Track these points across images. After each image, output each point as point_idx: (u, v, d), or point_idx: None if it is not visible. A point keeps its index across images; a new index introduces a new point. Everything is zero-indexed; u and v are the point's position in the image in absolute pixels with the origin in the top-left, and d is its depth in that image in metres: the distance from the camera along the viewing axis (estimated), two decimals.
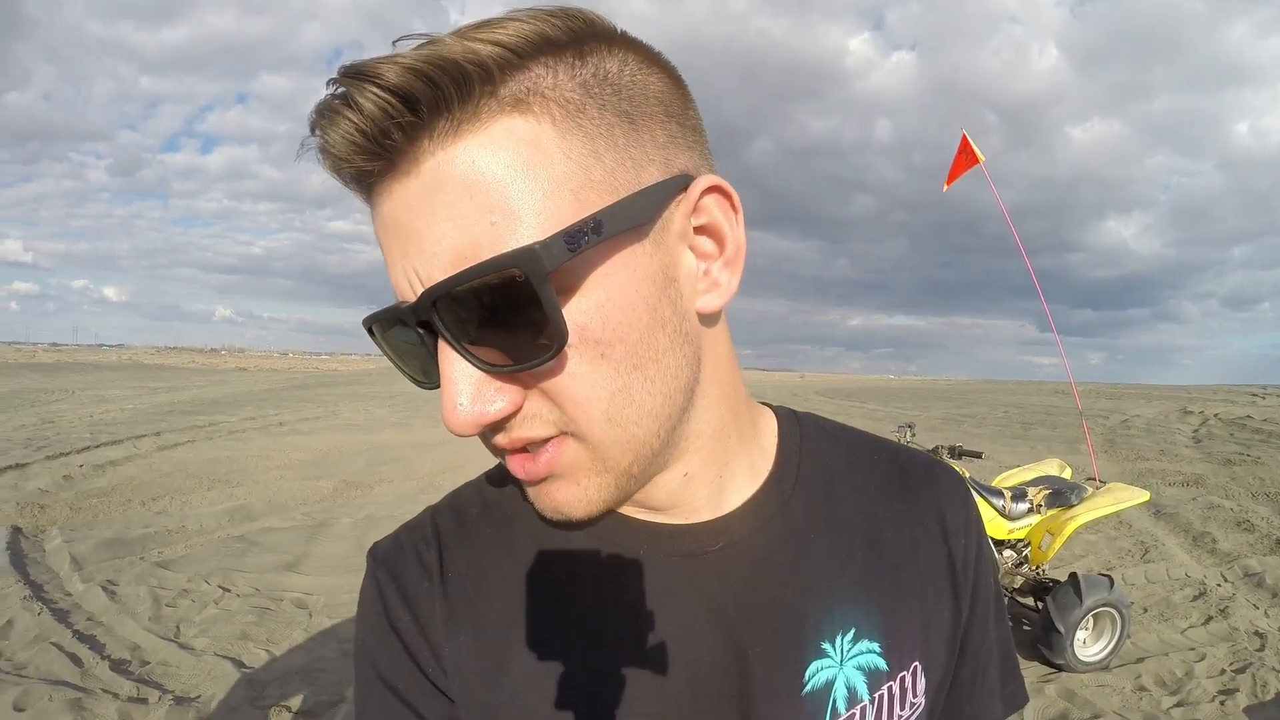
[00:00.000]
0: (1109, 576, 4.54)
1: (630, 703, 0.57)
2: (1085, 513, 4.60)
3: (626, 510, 0.63)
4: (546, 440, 0.53)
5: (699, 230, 0.55)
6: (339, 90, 0.46)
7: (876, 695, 0.62)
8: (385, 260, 0.51)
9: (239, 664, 4.32)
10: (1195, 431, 16.73)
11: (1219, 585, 6.21)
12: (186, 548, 6.53)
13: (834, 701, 0.60)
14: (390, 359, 0.55)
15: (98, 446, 11.54)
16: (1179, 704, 4.17)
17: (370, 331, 0.54)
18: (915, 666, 0.64)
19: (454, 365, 0.49)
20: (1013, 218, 6.70)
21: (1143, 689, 4.34)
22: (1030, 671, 4.37)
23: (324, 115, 0.47)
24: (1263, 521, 8.28)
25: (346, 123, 0.46)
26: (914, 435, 5.19)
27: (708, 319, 0.57)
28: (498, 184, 0.46)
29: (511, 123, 0.47)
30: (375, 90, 0.45)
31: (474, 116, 0.46)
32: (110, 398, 20.61)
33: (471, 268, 0.46)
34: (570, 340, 0.48)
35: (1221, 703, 4.19)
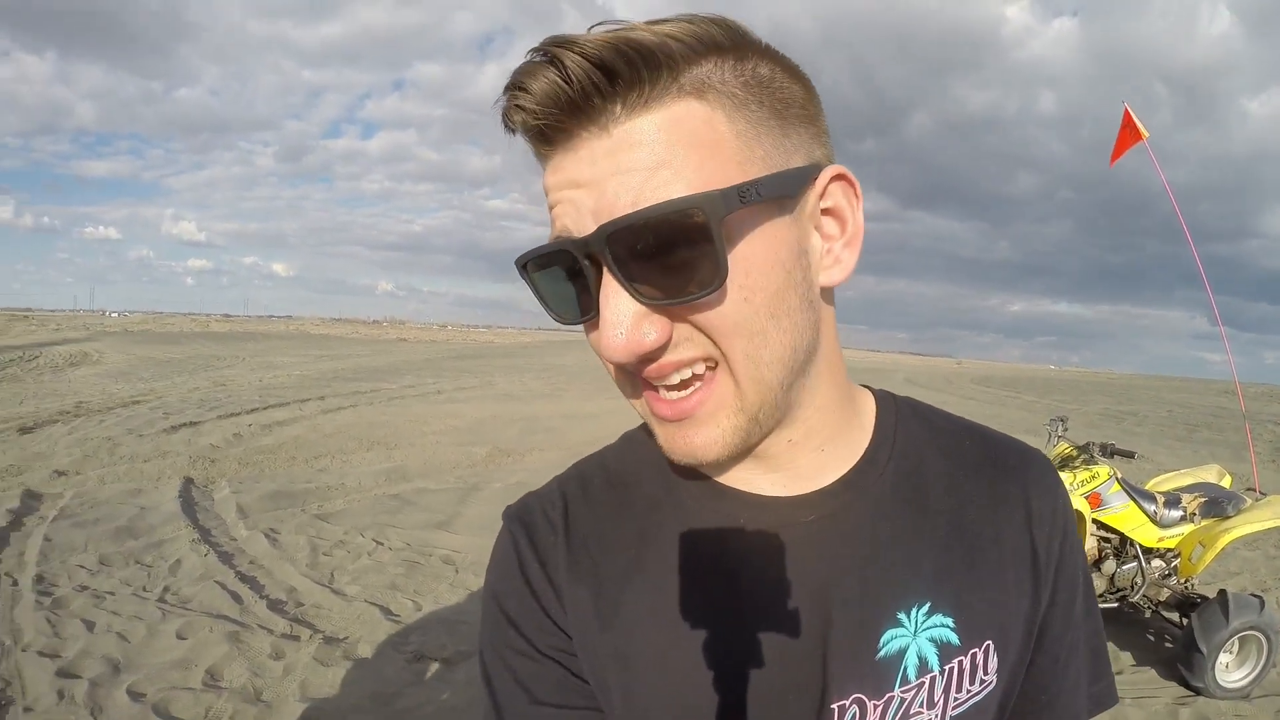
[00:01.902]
0: (1260, 598, 4.25)
1: (723, 654, 0.65)
2: (1242, 526, 4.30)
3: (730, 481, 0.70)
4: (693, 364, 0.59)
5: (825, 212, 0.62)
6: (545, 54, 0.54)
7: (947, 668, 0.65)
8: (553, 207, 0.58)
9: (387, 611, 4.63)
10: None
11: None
12: (345, 503, 6.99)
13: (905, 669, 0.65)
14: (538, 295, 0.63)
15: (265, 408, 12.44)
16: None
17: (523, 270, 0.62)
18: (988, 645, 0.67)
19: (616, 297, 0.56)
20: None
21: None
22: (1166, 693, 4.17)
23: (528, 73, 0.54)
24: None
25: (551, 80, 0.53)
26: (1066, 430, 4.97)
27: (826, 294, 0.64)
28: (678, 150, 0.54)
29: (690, 104, 0.55)
30: (580, 58, 0.52)
31: (661, 94, 0.54)
32: (278, 364, 22.09)
33: (657, 205, 0.53)
34: (724, 280, 0.55)
35: None
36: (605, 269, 0.56)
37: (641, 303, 0.56)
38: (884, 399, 0.78)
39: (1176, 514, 4.43)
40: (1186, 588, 4.52)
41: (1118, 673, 4.28)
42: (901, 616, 0.65)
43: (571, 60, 0.52)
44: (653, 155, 0.54)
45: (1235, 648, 4.15)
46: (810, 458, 0.69)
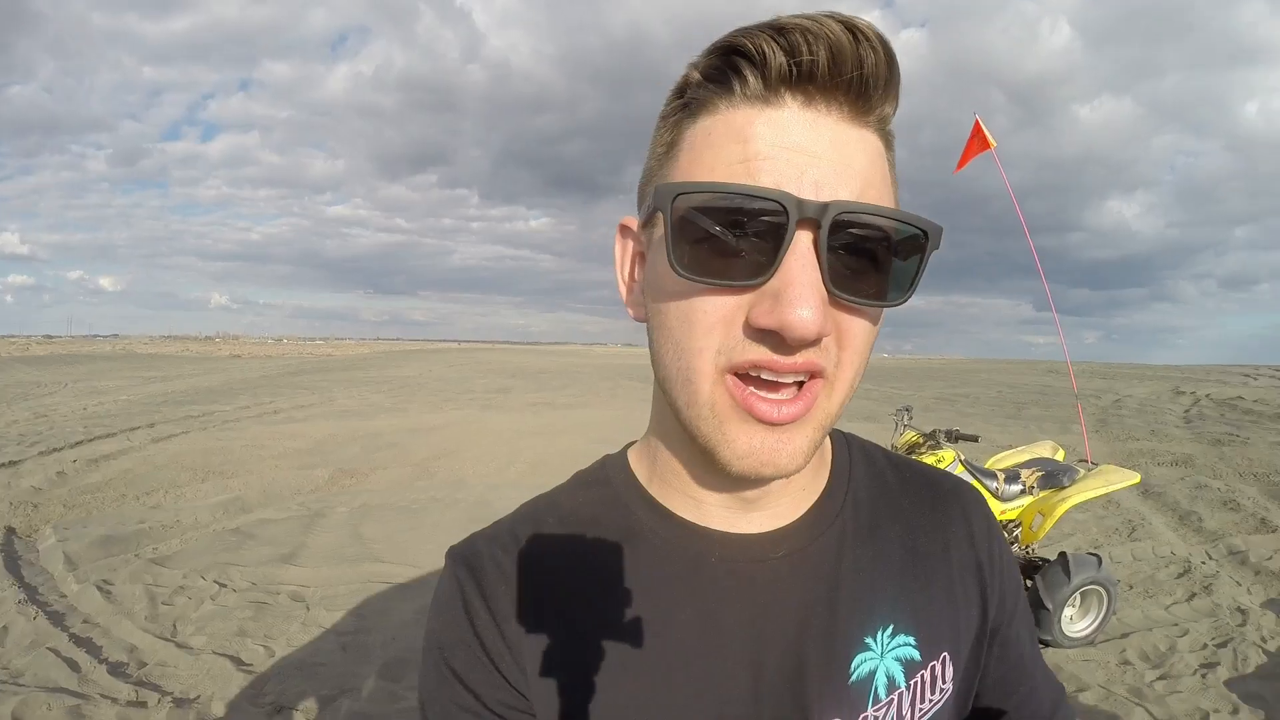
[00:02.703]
0: (1097, 555, 4.65)
1: (704, 698, 0.64)
2: (1076, 494, 4.68)
3: (698, 519, 0.69)
4: (817, 369, 0.58)
5: None
6: (845, 25, 0.54)
7: (912, 682, 0.69)
8: (763, 159, 0.55)
9: (238, 661, 4.33)
10: (1186, 412, 16.84)
11: (1203, 563, 6.31)
12: (181, 543, 6.50)
13: (875, 689, 0.67)
14: (682, 237, 0.56)
15: (91, 440, 11.48)
16: (1161, 677, 4.28)
17: (681, 204, 0.55)
18: (944, 656, 0.71)
19: (814, 274, 0.54)
20: (1017, 198, 6.76)
21: (1127, 663, 4.45)
22: None
23: (827, 25, 0.54)
24: (1249, 501, 8.39)
25: (854, 47, 0.54)
26: (911, 418, 5.25)
27: None
28: (877, 174, 0.58)
29: (876, 135, 0.59)
30: (883, 49, 0.55)
31: (883, 112, 0.59)
32: (104, 389, 20.46)
33: (897, 210, 0.56)
34: (906, 301, 0.59)
35: (1203, 676, 4.30)
36: (814, 243, 0.54)
37: (828, 289, 0.55)
38: (837, 435, 0.81)
39: (1016, 488, 4.76)
40: (1029, 553, 4.86)
41: None
42: (869, 640, 0.68)
43: (878, 44, 0.55)
44: (868, 167, 0.57)
45: (1078, 601, 4.54)
46: (792, 495, 0.72)
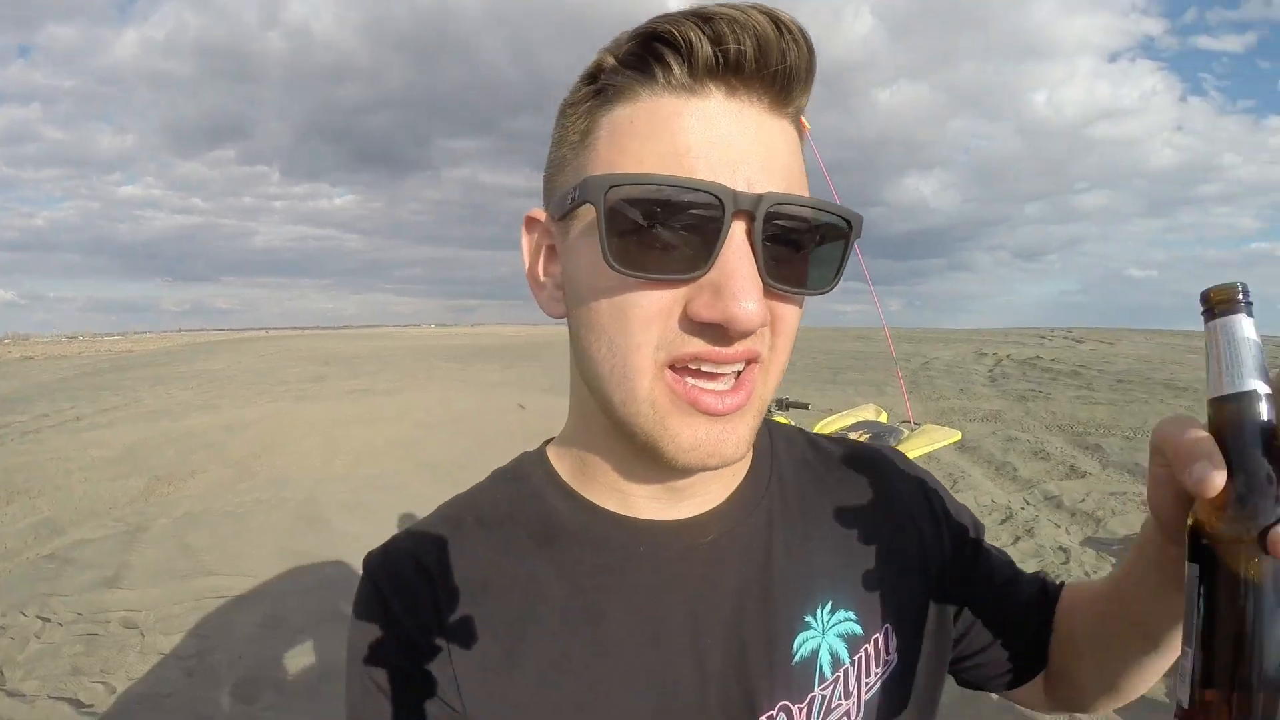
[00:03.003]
0: None
1: (643, 692, 0.63)
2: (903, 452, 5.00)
3: (624, 510, 0.68)
4: (754, 357, 0.59)
5: None
6: (770, 17, 0.55)
7: (856, 657, 0.69)
8: (691, 152, 0.54)
9: (77, 704, 4.00)
10: (990, 371, 17.99)
11: (1023, 509, 6.89)
12: None
13: (820, 667, 0.67)
14: (616, 230, 0.54)
15: None
16: None
17: (613, 196, 0.54)
18: (887, 628, 0.71)
19: (751, 266, 0.54)
20: (836, 173, 7.16)
21: None
22: None
23: (751, 15, 0.54)
24: (1056, 450, 9.20)
25: (777, 39, 0.55)
26: None
27: None
28: (797, 164, 0.60)
29: (793, 127, 0.61)
30: (805, 42, 0.56)
31: (800, 104, 0.60)
32: None
33: (823, 201, 0.58)
34: (835, 287, 0.61)
35: None
36: (748, 235, 0.55)
37: (764, 280, 0.55)
38: None
39: None
40: None
41: None
42: (809, 619, 0.68)
43: (800, 37, 0.56)
44: (790, 158, 0.59)
45: None
46: (722, 480, 0.71)
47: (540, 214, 0.66)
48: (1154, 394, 14.08)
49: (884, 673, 0.70)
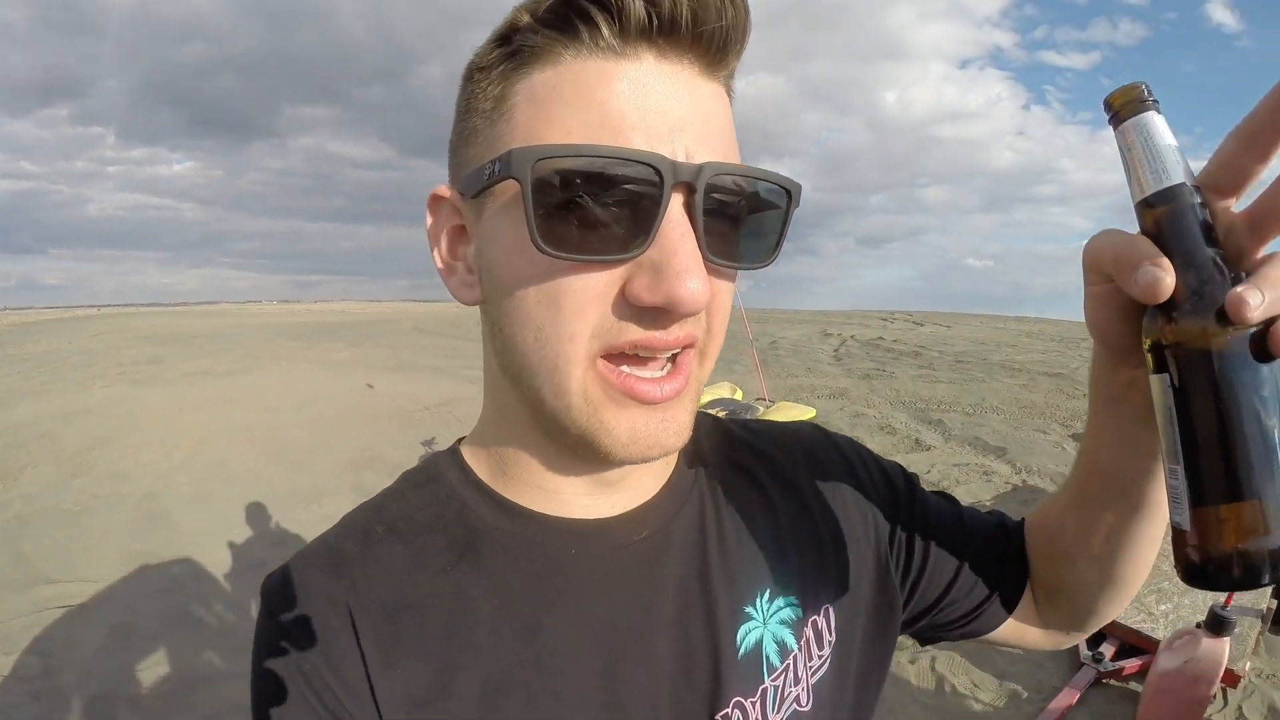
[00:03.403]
0: None
1: (590, 706, 0.59)
2: None
3: (551, 509, 0.63)
4: (691, 341, 0.55)
5: None
6: None
7: (801, 643, 0.66)
8: (625, 116, 0.50)
9: None
10: (835, 351, 18.59)
11: None
12: None
13: (767, 658, 0.64)
14: (543, 205, 0.49)
15: None
16: None
17: (562, 177, 0.49)
18: (826, 609, 0.69)
19: (692, 242, 0.51)
20: None
21: None
22: None
23: None
24: (902, 425, 9.72)
25: (721, 2, 0.51)
26: None
27: None
28: (729, 131, 0.56)
29: (724, 90, 0.57)
30: (742, 2, 0.52)
31: (733, 67, 0.56)
32: None
33: (764, 170, 0.55)
34: (773, 260, 0.58)
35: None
36: (687, 208, 0.51)
37: (705, 256, 0.52)
38: None
39: None
40: None
41: None
42: (749, 610, 0.65)
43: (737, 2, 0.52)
44: (725, 125, 0.55)
45: None
46: (654, 469, 0.67)
47: (446, 191, 0.60)
48: (990, 374, 14.95)
49: (828, 654, 0.69)
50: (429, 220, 0.61)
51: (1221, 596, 3.48)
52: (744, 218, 0.55)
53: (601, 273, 0.51)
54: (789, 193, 0.56)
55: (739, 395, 5.99)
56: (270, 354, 17.58)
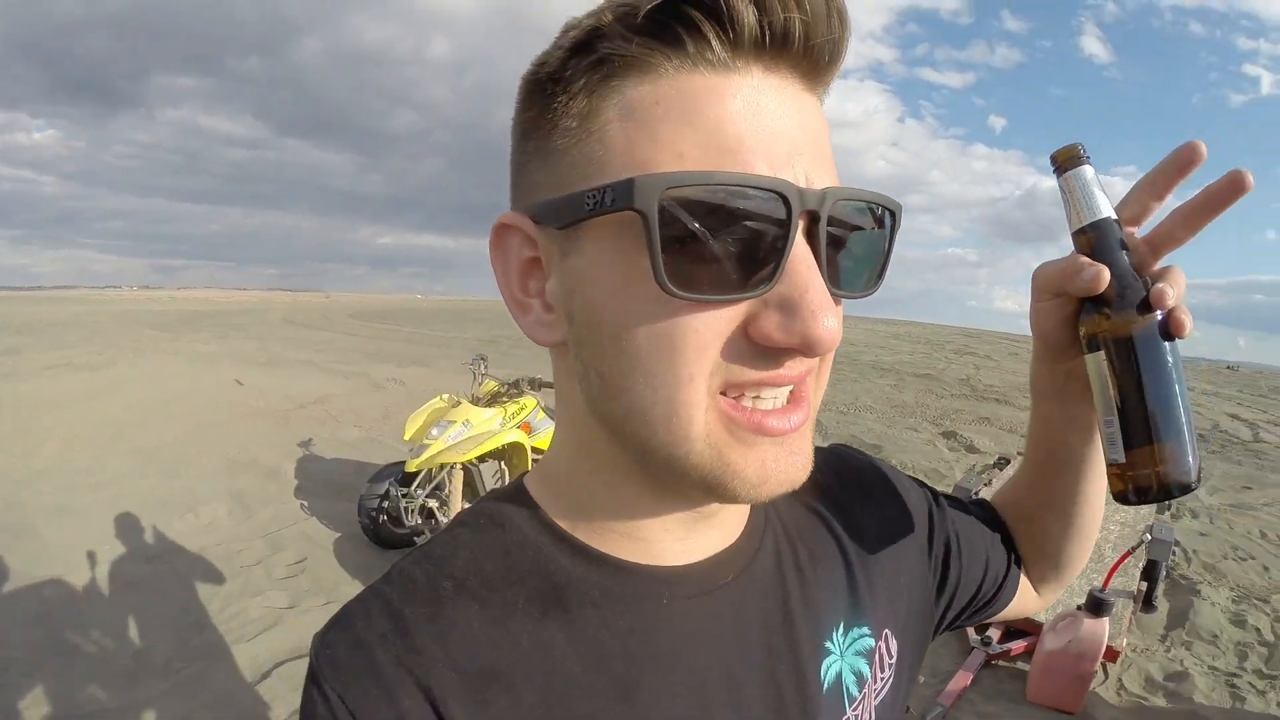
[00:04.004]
0: None
1: None
2: None
3: (630, 555, 0.59)
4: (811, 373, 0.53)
5: None
6: None
7: (873, 670, 0.67)
8: (745, 138, 0.45)
9: None
10: None
11: None
12: None
13: (846, 689, 0.64)
14: (671, 239, 0.44)
15: None
16: None
17: (688, 208, 0.44)
18: (886, 633, 0.69)
19: (819, 276, 0.47)
20: None
21: None
22: None
23: None
24: None
25: (829, 7, 0.46)
26: (487, 368, 5.41)
27: None
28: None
29: (821, 105, 0.52)
30: (846, 12, 0.48)
31: (830, 82, 0.51)
32: None
33: (876, 193, 0.51)
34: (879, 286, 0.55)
35: None
36: (809, 238, 0.47)
37: (829, 288, 0.48)
38: None
39: None
40: None
41: None
42: (828, 645, 0.64)
43: (843, 5, 0.47)
44: (829, 145, 0.51)
45: None
46: (739, 510, 0.65)
47: (518, 220, 0.53)
48: (862, 374, 15.66)
49: (889, 676, 0.69)
50: (496, 256, 0.55)
51: (1098, 580, 3.85)
52: (856, 244, 0.51)
53: (723, 311, 0.47)
54: (893, 214, 0.53)
55: None
56: (134, 345, 16.46)
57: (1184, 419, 0.58)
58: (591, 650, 0.55)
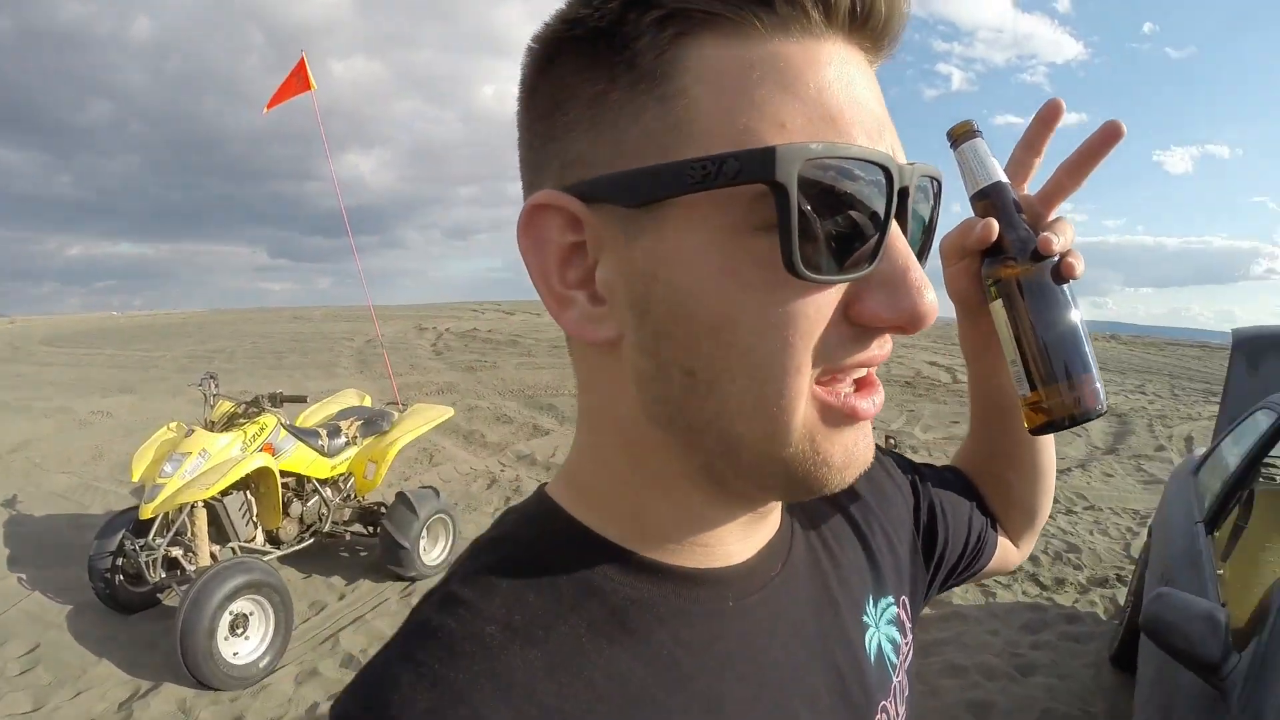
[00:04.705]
0: (433, 489, 5.15)
1: None
2: (402, 435, 5.15)
3: (703, 563, 0.54)
4: None
5: None
6: None
7: (902, 634, 0.69)
8: (843, 109, 0.43)
9: None
10: (434, 345, 18.79)
11: (503, 470, 7.52)
12: None
13: (887, 657, 0.65)
14: (813, 212, 0.41)
15: None
16: None
17: (817, 184, 0.41)
18: (903, 599, 0.72)
19: (912, 253, 0.46)
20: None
21: None
22: (391, 590, 4.80)
23: None
24: (516, 414, 10.10)
25: None
26: (218, 387, 4.93)
27: None
28: None
29: None
30: None
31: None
32: None
33: (934, 166, 0.50)
34: None
35: None
36: (900, 216, 0.45)
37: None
38: None
39: (341, 441, 4.97)
40: (363, 501, 5.25)
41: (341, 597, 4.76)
42: (865, 619, 0.65)
43: None
44: None
45: (427, 533, 4.95)
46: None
47: (560, 200, 0.46)
48: None
49: (910, 641, 0.71)
50: (528, 240, 0.48)
51: None
52: (917, 217, 0.50)
53: (829, 293, 0.44)
54: (941, 185, 0.52)
55: (366, 401, 5.82)
56: None
57: (1083, 353, 0.63)
58: (669, 671, 0.49)
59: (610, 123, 0.44)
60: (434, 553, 5.03)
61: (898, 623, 0.68)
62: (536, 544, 0.53)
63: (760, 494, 0.53)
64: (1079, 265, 0.62)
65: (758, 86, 0.42)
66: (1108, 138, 0.65)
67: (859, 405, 0.47)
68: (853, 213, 0.42)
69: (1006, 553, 0.88)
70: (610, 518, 0.53)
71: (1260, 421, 3.10)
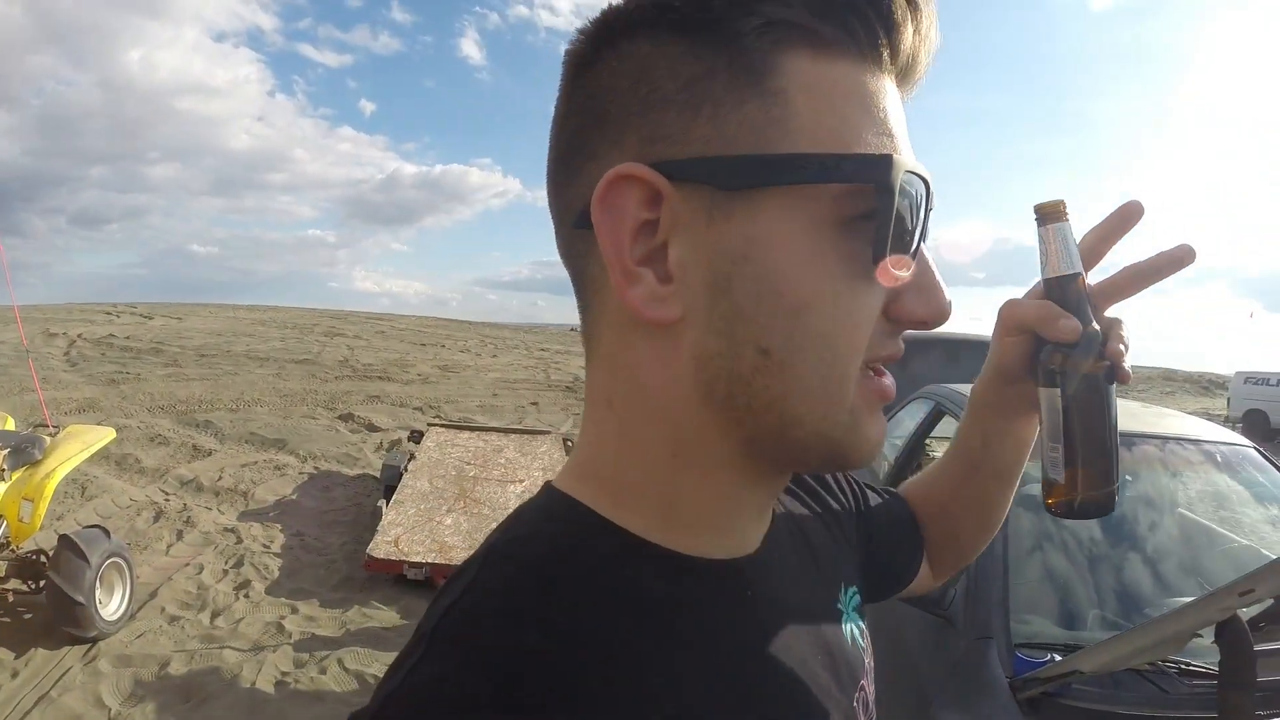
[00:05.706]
0: (101, 527, 4.30)
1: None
2: (60, 465, 4.18)
3: (727, 553, 0.56)
4: None
5: None
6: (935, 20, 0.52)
7: (865, 623, 0.73)
8: (893, 133, 0.49)
9: None
10: (67, 354, 16.56)
11: (168, 499, 6.67)
12: None
13: (855, 640, 0.68)
14: (906, 215, 0.48)
15: None
16: (215, 615, 4.48)
17: (904, 194, 0.48)
18: (860, 587, 0.75)
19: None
20: None
21: (177, 618, 4.41)
22: (71, 657, 3.91)
23: (935, 24, 0.51)
24: (171, 433, 9.07)
25: (936, 29, 0.52)
26: None
27: None
28: None
29: None
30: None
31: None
32: None
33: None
34: None
35: (246, 596, 4.60)
36: (924, 225, 0.52)
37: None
38: None
39: None
40: (17, 551, 4.13)
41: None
42: (839, 607, 0.69)
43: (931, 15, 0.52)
44: None
45: (101, 583, 4.04)
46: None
47: (645, 173, 0.47)
48: (239, 366, 14.84)
49: (868, 632, 0.74)
50: (600, 213, 0.48)
51: None
52: None
53: (881, 290, 0.50)
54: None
55: (10, 424, 4.74)
56: None
57: (1118, 456, 0.67)
58: (713, 666, 0.51)
59: (710, 108, 0.47)
60: (111, 605, 4.14)
61: (860, 611, 0.73)
62: (561, 545, 0.52)
63: (795, 469, 0.60)
64: (1129, 374, 0.67)
65: (845, 102, 0.48)
66: (1180, 261, 0.69)
67: (888, 389, 0.53)
68: (913, 220, 0.49)
69: (922, 580, 0.94)
70: (636, 509, 0.54)
71: (921, 407, 3.98)
